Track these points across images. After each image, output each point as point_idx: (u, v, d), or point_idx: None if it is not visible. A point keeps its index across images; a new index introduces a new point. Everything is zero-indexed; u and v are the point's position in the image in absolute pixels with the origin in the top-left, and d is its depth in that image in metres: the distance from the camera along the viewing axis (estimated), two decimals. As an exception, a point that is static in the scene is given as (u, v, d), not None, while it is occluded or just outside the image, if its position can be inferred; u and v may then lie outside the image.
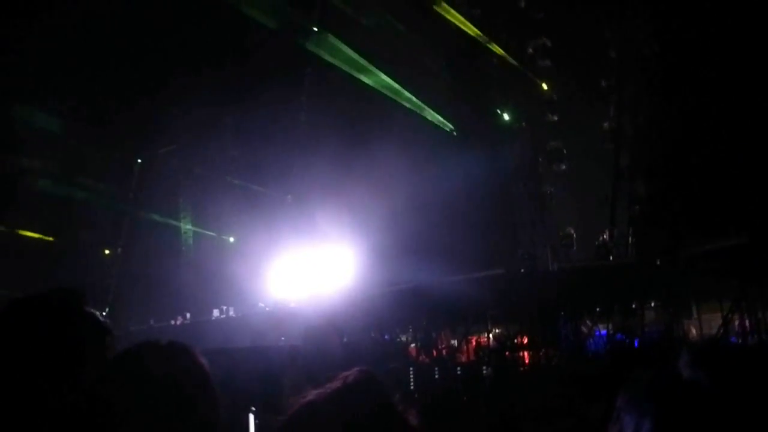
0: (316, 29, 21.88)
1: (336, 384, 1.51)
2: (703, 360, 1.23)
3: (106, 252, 32.17)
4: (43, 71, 22.09)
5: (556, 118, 19.74)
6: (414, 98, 22.35)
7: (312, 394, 1.50)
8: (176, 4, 21.20)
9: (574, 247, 19.20)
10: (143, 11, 20.89)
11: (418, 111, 22.30)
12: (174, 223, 31.57)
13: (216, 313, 25.56)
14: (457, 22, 20.01)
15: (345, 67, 22.11)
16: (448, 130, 22.13)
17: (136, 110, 25.44)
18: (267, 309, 23.88)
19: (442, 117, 22.36)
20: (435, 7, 19.67)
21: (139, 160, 30.73)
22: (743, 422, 1.13)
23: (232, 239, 30.97)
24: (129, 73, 23.48)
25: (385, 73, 22.17)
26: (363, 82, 22.22)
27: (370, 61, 22.06)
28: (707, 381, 1.18)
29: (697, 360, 1.24)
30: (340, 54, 21.98)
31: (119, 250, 31.85)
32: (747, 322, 14.77)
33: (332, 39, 21.75)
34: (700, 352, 1.30)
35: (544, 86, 19.99)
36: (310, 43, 22.27)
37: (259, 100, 25.13)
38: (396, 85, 22.21)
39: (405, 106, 22.51)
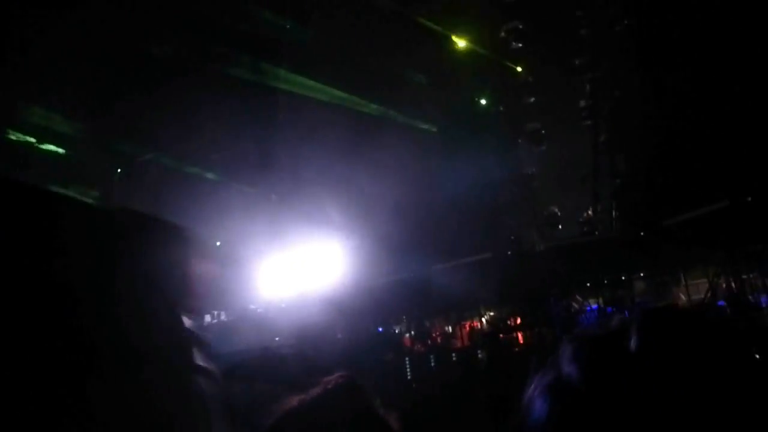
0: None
1: (317, 390, 1.50)
2: (581, 353, 1.13)
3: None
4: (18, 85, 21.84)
5: (532, 100, 19.84)
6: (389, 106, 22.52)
7: (294, 401, 1.49)
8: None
9: (560, 226, 19.36)
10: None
11: (396, 114, 22.38)
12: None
13: (208, 318, 25.46)
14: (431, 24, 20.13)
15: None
16: (428, 129, 22.17)
17: (114, 116, 25.17)
18: (259, 311, 23.83)
19: (420, 116, 22.44)
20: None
21: (119, 170, 30.43)
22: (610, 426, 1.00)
23: (218, 243, 30.82)
24: (106, 80, 23.22)
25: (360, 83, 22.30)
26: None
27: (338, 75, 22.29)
28: (578, 378, 1.11)
29: (576, 354, 1.14)
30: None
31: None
32: (733, 285, 14.98)
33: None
34: (582, 345, 1.19)
35: (519, 69, 20.07)
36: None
37: (241, 97, 25.02)
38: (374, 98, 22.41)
39: (383, 109, 22.63)
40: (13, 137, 23.65)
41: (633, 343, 1.10)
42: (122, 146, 28.69)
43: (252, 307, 25.04)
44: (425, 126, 21.78)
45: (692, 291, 16.26)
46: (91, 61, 22.27)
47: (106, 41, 21.87)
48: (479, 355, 15.03)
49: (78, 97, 24.17)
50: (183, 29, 22.62)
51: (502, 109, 20.39)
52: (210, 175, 30.23)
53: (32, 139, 24.66)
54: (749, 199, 13.55)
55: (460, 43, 20.26)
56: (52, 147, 25.82)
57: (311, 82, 22.92)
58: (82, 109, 25.13)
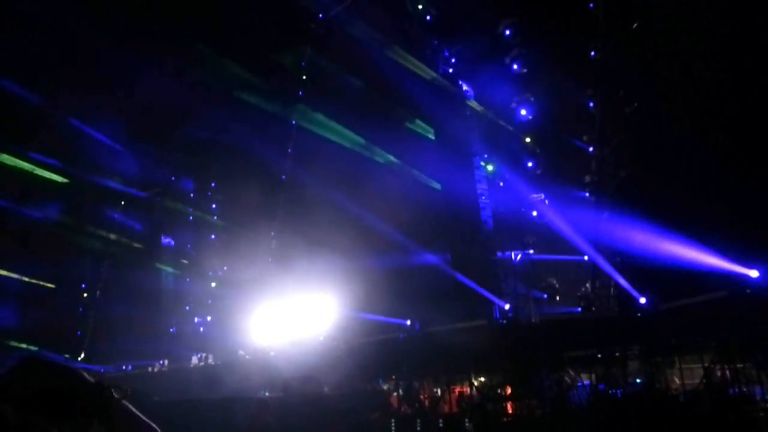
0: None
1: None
2: None
3: (84, 295, 31.69)
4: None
5: (539, 172, 20.08)
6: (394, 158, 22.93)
7: None
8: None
9: (557, 298, 19.29)
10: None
11: (402, 165, 22.75)
12: (154, 267, 31.29)
13: (195, 360, 25.10)
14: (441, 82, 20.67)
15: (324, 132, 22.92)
16: (433, 183, 22.46)
17: (121, 151, 25.60)
18: (248, 357, 23.52)
19: (427, 172, 22.81)
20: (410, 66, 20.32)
21: (123, 202, 30.66)
22: None
23: (213, 284, 30.70)
24: (114, 115, 23.74)
25: (363, 131, 22.80)
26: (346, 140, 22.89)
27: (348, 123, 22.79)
28: None
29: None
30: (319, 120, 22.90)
31: (97, 293, 31.40)
32: (728, 373, 14.82)
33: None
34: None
35: (527, 139, 20.42)
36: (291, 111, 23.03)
37: (243, 142, 25.43)
38: (374, 145, 22.85)
39: (389, 161, 23.01)
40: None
41: None
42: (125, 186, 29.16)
43: (241, 353, 24.76)
44: (429, 183, 22.07)
45: (686, 375, 16.06)
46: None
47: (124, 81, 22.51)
48: (466, 425, 14.72)
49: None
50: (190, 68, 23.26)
51: (507, 177, 20.61)
52: (213, 218, 30.49)
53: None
54: (748, 291, 13.59)
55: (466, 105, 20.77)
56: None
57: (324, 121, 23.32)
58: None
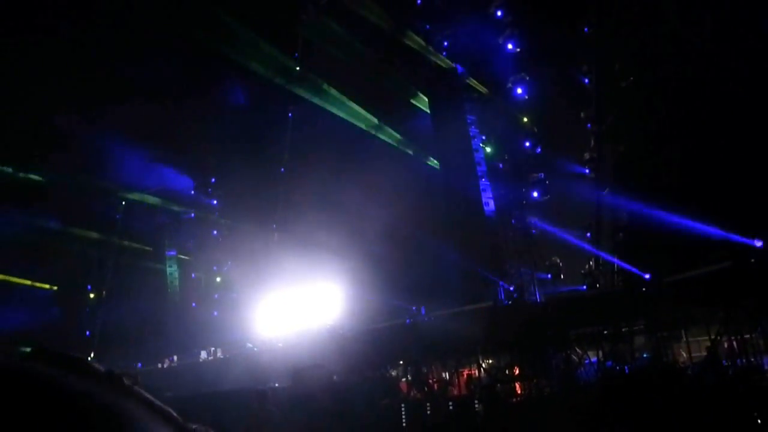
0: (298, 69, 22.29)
1: None
2: None
3: (91, 296, 31.78)
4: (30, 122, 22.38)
5: (538, 151, 20.03)
6: (397, 136, 22.80)
7: None
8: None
9: (561, 276, 19.31)
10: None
11: (402, 150, 22.67)
12: (159, 265, 31.37)
13: (204, 354, 25.22)
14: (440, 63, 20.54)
15: (331, 108, 22.66)
16: (433, 165, 22.40)
17: (121, 153, 25.61)
18: (255, 349, 23.61)
19: (426, 155, 22.75)
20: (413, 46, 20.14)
21: (123, 202, 30.64)
22: None
23: (219, 279, 30.78)
24: (115, 118, 23.70)
25: (369, 114, 22.65)
26: (348, 122, 22.72)
27: (353, 100, 22.53)
28: None
29: None
30: (326, 95, 22.58)
31: (103, 293, 31.48)
32: (735, 344, 14.84)
33: (316, 80, 22.26)
34: None
35: (525, 119, 20.34)
36: (294, 85, 22.71)
37: (243, 136, 25.36)
38: (379, 125, 22.72)
39: (389, 145, 22.93)
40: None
41: None
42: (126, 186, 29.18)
43: (249, 345, 24.85)
44: (436, 175, 22.01)
45: (693, 348, 16.10)
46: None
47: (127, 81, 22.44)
48: (476, 407, 14.78)
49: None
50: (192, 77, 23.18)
51: (506, 158, 20.55)
52: (215, 214, 30.50)
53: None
54: (752, 261, 13.57)
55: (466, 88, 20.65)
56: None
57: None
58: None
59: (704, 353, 15.06)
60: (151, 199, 29.62)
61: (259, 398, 8.02)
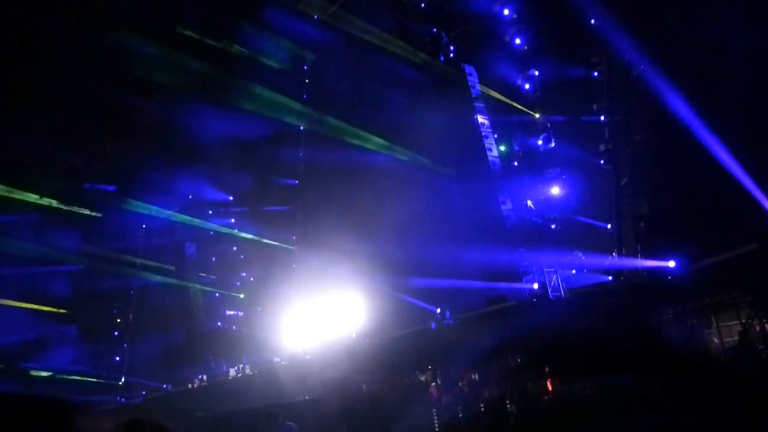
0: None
1: None
2: None
3: (118, 320, 32.08)
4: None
5: (552, 146, 19.94)
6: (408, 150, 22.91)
7: None
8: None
9: (585, 270, 19.14)
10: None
11: (415, 159, 22.69)
12: (184, 284, 31.59)
13: (232, 372, 25.33)
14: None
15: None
16: (447, 172, 22.36)
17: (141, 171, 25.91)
18: (283, 363, 23.68)
19: (441, 160, 22.72)
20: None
21: (144, 225, 30.94)
22: None
23: (242, 295, 30.93)
24: (134, 138, 24.08)
25: (381, 127, 22.76)
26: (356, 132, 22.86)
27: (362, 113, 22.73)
28: None
29: None
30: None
31: (130, 316, 31.78)
32: (767, 327, 14.61)
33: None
34: None
35: (537, 115, 20.27)
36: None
37: (259, 150, 25.57)
38: (391, 141, 22.83)
39: (402, 152, 22.97)
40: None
41: None
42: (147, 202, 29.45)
43: (276, 359, 24.93)
44: (446, 172, 21.96)
45: (724, 333, 15.84)
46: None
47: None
48: (508, 407, 14.70)
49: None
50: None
51: (521, 155, 20.47)
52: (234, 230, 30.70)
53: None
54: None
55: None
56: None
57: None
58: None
59: (736, 338, 14.83)
60: (171, 218, 29.82)
61: (269, 418, 8.62)
